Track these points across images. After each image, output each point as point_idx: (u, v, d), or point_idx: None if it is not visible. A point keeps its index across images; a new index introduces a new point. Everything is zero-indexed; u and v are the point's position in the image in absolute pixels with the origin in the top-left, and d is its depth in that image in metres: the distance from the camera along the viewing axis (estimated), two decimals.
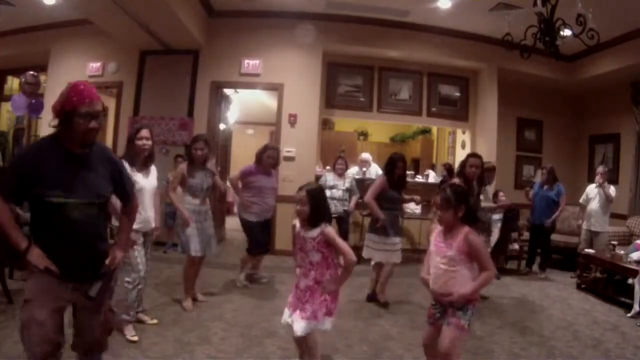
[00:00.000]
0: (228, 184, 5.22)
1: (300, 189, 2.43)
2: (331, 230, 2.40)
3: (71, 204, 1.76)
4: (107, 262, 1.91)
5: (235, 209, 4.68)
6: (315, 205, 2.38)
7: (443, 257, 2.28)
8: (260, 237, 4.51)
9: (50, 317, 1.75)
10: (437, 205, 2.39)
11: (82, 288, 1.83)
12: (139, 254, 3.06)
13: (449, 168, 6.23)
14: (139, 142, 3.04)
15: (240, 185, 4.52)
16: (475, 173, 3.92)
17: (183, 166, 3.79)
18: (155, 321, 3.33)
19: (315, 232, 2.38)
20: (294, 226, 2.54)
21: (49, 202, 1.73)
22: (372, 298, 4.17)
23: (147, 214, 3.10)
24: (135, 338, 2.99)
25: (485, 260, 2.25)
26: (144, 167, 3.12)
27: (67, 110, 1.73)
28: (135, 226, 2.85)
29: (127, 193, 2.07)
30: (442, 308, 2.31)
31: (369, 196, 4.12)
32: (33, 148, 1.86)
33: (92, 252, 1.87)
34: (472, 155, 4.08)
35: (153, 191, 3.19)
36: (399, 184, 4.19)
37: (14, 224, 1.77)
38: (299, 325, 2.35)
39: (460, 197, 2.30)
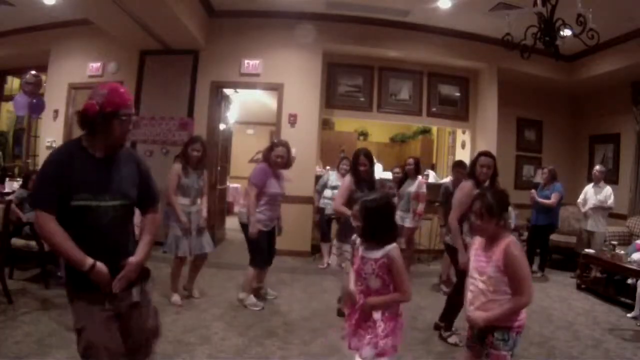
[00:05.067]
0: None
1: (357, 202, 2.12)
2: (399, 254, 1.99)
3: (101, 208, 1.70)
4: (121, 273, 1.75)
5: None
6: (370, 222, 2.01)
7: (482, 274, 2.01)
8: (266, 248, 3.93)
9: (109, 336, 1.69)
10: (476, 213, 2.02)
11: (120, 296, 1.75)
12: None
13: (417, 162, 5.32)
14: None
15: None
16: (487, 174, 3.36)
17: (178, 166, 3.80)
18: None
19: (378, 253, 1.98)
20: (354, 241, 2.18)
21: (76, 207, 1.65)
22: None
23: None
24: None
25: (521, 279, 1.92)
26: None
27: (106, 112, 1.68)
28: None
29: (153, 195, 1.96)
30: (480, 332, 2.03)
31: (337, 203, 3.67)
32: (59, 153, 1.74)
33: (124, 258, 1.76)
34: (484, 153, 3.46)
35: None
36: (368, 184, 3.71)
37: (71, 243, 1.64)
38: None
39: (504, 205, 2.02)
